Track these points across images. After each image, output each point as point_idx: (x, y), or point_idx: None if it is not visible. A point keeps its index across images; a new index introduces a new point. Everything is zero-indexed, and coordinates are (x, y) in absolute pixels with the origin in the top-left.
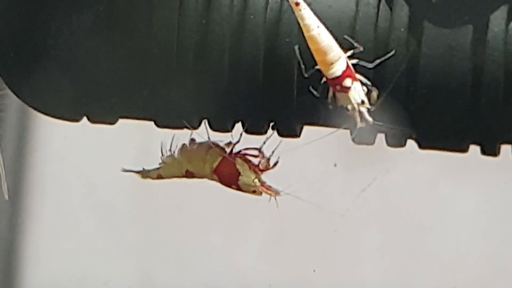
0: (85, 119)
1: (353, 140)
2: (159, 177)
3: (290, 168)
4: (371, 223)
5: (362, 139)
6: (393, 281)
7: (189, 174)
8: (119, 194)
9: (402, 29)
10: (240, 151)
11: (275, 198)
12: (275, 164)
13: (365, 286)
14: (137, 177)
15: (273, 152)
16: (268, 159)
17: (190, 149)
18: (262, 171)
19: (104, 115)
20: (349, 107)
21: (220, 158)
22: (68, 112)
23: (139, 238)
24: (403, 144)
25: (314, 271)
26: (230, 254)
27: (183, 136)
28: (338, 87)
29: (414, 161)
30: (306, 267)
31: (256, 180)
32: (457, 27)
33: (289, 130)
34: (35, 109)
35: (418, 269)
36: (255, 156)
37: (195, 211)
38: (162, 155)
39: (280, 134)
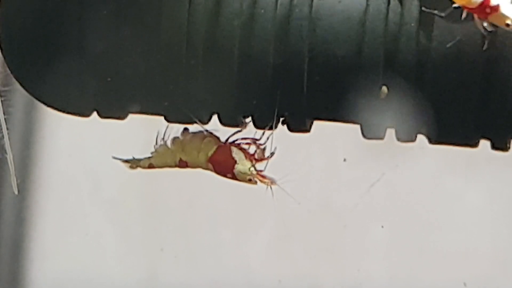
0: (94, 114)
1: (363, 134)
2: (150, 166)
3: (299, 162)
4: (380, 218)
5: (372, 133)
6: (402, 276)
7: (182, 164)
8: (127, 190)
9: (412, 24)
10: (235, 140)
11: (271, 188)
12: (271, 155)
13: (373, 280)
14: (133, 168)
15: (266, 140)
16: (264, 149)
17: (183, 139)
18: (257, 160)
19: (114, 110)
20: (509, 22)
21: (215, 147)
22: (79, 107)
23: (147, 233)
24: (413, 139)
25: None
26: (239, 249)
27: (180, 128)
28: (488, 10)
29: (424, 156)
30: (315, 262)
31: (252, 169)
32: (467, 21)
33: (299, 125)
34: (46, 104)
35: (427, 264)
36: (249, 144)
37: (204, 206)
38: (156, 144)
39: (290, 128)
